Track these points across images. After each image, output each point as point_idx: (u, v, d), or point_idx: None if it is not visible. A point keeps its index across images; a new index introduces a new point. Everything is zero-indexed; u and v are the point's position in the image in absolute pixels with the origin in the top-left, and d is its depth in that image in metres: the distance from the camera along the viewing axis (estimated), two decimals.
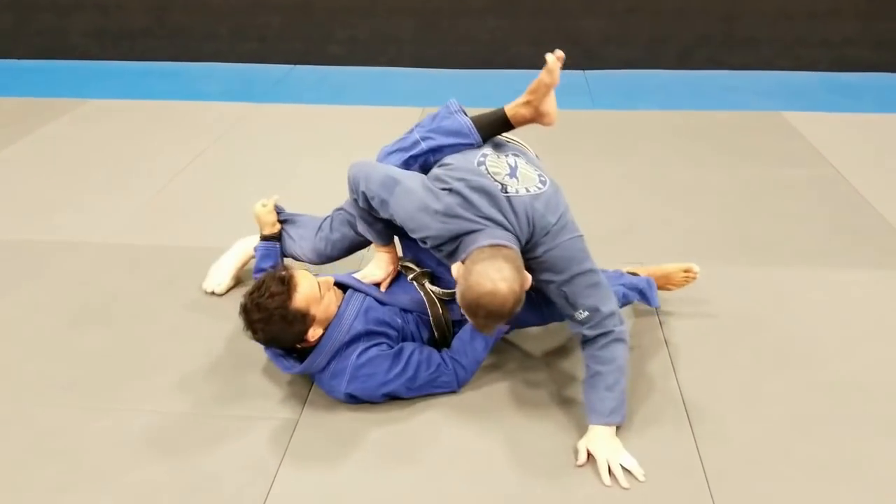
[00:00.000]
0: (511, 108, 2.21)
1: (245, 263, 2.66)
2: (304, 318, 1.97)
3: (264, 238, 2.56)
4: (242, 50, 5.62)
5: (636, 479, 1.84)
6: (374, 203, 2.06)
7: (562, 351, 2.34)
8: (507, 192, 1.96)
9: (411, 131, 2.20)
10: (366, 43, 5.51)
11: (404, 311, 2.16)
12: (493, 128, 2.21)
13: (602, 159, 3.84)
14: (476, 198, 1.93)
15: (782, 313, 2.52)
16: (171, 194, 3.45)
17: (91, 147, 4.02)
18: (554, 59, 2.14)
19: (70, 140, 4.12)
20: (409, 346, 2.08)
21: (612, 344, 1.97)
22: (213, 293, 2.59)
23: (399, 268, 2.25)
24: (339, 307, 2.07)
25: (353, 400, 2.05)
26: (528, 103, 2.20)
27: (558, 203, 2.01)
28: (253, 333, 1.98)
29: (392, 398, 2.07)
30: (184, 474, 1.88)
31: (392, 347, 2.07)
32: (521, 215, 1.94)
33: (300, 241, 2.52)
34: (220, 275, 2.62)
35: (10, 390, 2.18)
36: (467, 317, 1.86)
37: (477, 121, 2.18)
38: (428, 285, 2.19)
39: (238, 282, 2.65)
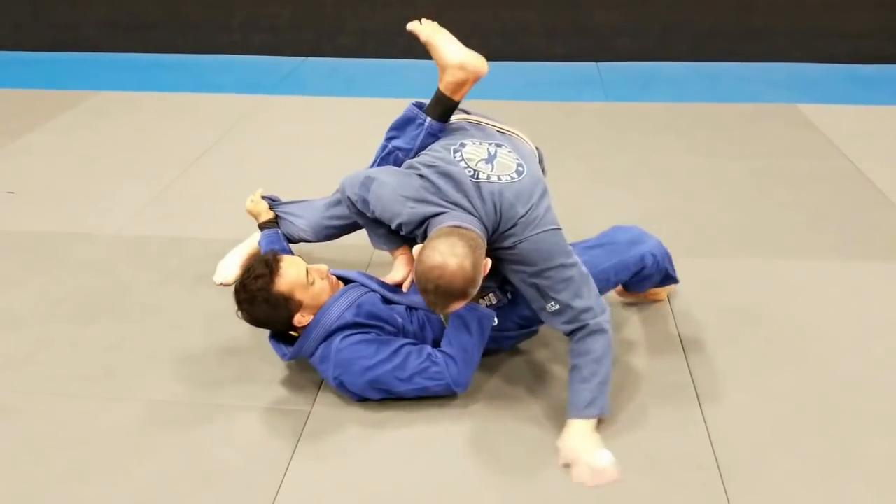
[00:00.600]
0: (440, 82, 2.20)
1: (253, 255, 2.66)
2: (288, 303, 1.98)
3: (262, 226, 2.59)
4: (254, 42, 5.62)
5: (611, 477, 1.81)
6: (360, 206, 2.11)
7: None
8: (477, 178, 1.96)
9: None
10: (377, 34, 5.50)
11: (412, 309, 2.13)
12: (438, 105, 2.18)
13: (615, 151, 3.82)
14: (442, 183, 1.96)
15: (796, 306, 2.50)
16: (183, 186, 3.46)
17: (103, 138, 4.04)
18: (410, 25, 2.28)
19: (82, 131, 4.13)
20: (402, 339, 2.05)
21: (588, 337, 1.95)
22: (223, 284, 2.58)
23: None
24: (333, 296, 2.07)
25: (344, 389, 2.02)
26: (440, 68, 2.19)
27: (532, 194, 1.97)
28: (240, 313, 2.02)
29: (385, 392, 2.02)
30: (196, 464, 1.88)
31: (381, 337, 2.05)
32: (488, 202, 1.93)
33: (300, 220, 2.55)
34: (228, 267, 2.62)
35: (23, 380, 2.19)
36: (420, 294, 1.85)
37: (429, 110, 2.20)
38: None
39: None
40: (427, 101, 2.20)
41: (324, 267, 2.09)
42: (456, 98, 2.16)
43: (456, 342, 2.03)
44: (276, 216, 2.62)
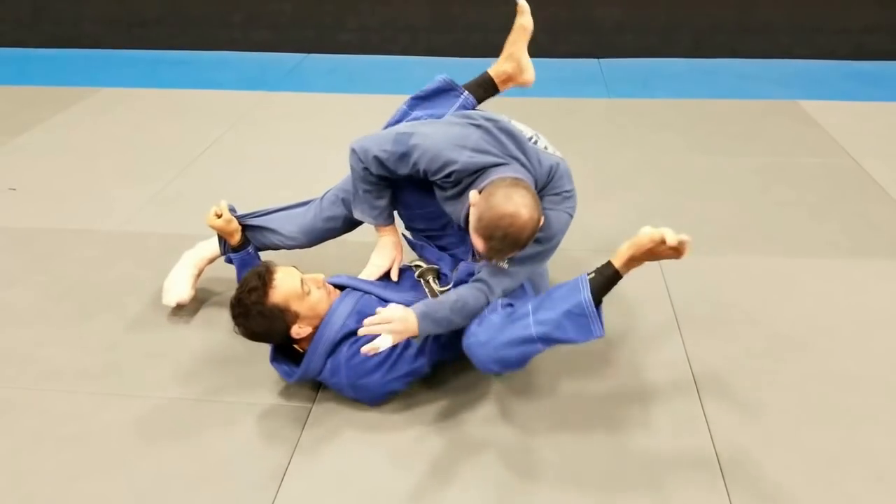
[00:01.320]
0: (494, 67, 2.34)
1: (202, 271, 2.53)
2: (283, 314, 1.93)
3: (235, 249, 2.42)
4: (255, 38, 5.61)
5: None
6: (390, 163, 2.06)
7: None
8: (535, 144, 2.04)
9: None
10: (378, 31, 5.50)
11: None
12: (479, 87, 2.33)
13: (616, 147, 3.81)
14: (503, 138, 2.00)
15: (797, 303, 2.50)
16: (184, 183, 3.46)
17: (104, 135, 4.04)
18: (520, 2, 2.31)
19: (84, 128, 4.13)
20: None
21: (477, 291, 1.96)
22: (178, 305, 2.44)
23: (410, 264, 2.24)
24: (332, 305, 2.02)
25: (363, 395, 2.00)
26: (509, 56, 2.33)
27: (571, 179, 2.11)
28: (237, 329, 1.97)
29: (409, 376, 2.00)
30: (197, 462, 1.88)
31: None
32: (545, 166, 2.01)
33: (281, 228, 2.42)
34: (177, 286, 2.44)
35: (23, 377, 2.19)
36: (479, 244, 1.85)
37: (469, 85, 2.33)
38: (432, 283, 2.16)
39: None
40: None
41: (320, 276, 2.05)
42: (499, 86, 2.32)
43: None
44: (245, 230, 2.44)
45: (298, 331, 1.98)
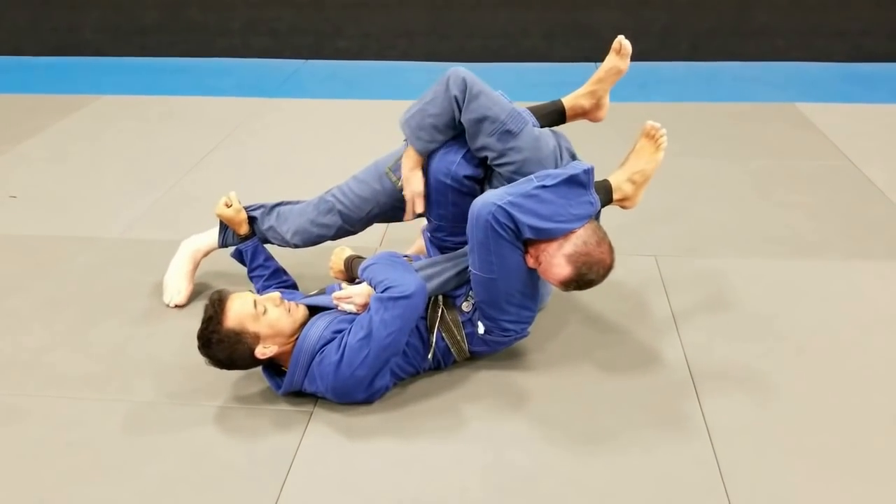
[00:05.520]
0: (570, 99, 2.28)
1: (198, 264, 2.58)
2: (241, 337, 1.95)
3: (242, 239, 2.48)
4: (254, 45, 5.63)
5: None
6: (487, 125, 2.02)
7: (595, 344, 2.34)
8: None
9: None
10: (377, 37, 5.51)
11: None
12: (546, 117, 2.27)
13: (614, 151, 3.80)
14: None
15: (796, 305, 2.51)
16: (184, 190, 3.47)
17: (105, 143, 4.05)
18: (625, 42, 2.23)
19: (84, 136, 4.15)
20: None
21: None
22: (176, 306, 2.51)
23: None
24: (305, 325, 2.04)
25: (344, 396, 2.01)
26: (591, 93, 2.30)
27: None
28: (206, 361, 2.00)
29: (373, 363, 1.97)
30: (200, 466, 1.89)
31: None
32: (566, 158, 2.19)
33: (279, 226, 2.44)
34: (175, 283, 2.53)
35: (27, 383, 2.20)
36: (564, 270, 1.98)
37: (534, 110, 2.25)
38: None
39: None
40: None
41: (275, 294, 2.08)
42: (567, 119, 2.37)
43: (379, 276, 2.03)
44: (251, 223, 2.48)
45: (263, 350, 1.98)
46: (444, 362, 2.17)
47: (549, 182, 1.99)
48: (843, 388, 2.13)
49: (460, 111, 2.06)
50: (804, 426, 1.99)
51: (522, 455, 1.91)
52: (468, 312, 2.13)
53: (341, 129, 4.19)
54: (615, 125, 4.19)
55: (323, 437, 1.98)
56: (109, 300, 2.60)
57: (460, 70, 2.10)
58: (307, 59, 5.61)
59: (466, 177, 2.13)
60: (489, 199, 1.96)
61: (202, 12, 5.60)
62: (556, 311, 2.48)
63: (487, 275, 2.02)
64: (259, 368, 2.09)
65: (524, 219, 1.94)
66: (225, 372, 2.16)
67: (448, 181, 2.13)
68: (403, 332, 1.99)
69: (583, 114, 2.35)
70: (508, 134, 2.03)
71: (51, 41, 5.75)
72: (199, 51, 5.65)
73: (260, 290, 2.41)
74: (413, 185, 2.16)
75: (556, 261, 1.98)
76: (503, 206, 1.93)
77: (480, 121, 2.04)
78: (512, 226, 1.95)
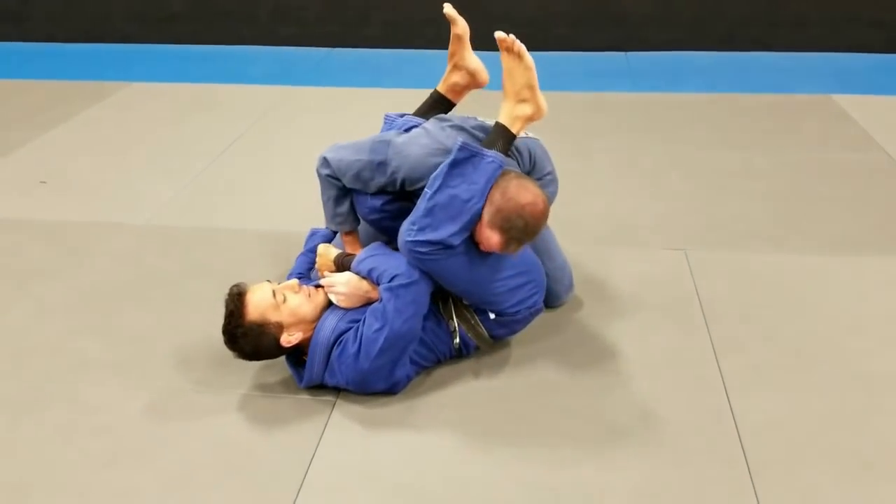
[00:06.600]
0: (443, 84, 2.38)
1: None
2: (265, 328, 1.96)
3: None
4: (281, 33, 5.63)
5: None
6: (366, 173, 2.13)
7: (594, 339, 2.31)
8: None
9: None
10: (404, 25, 5.49)
11: None
12: (432, 109, 2.35)
13: (643, 143, 3.77)
14: (482, 136, 2.07)
15: (830, 301, 2.45)
16: (211, 177, 3.48)
17: (133, 130, 4.08)
18: (447, 6, 2.30)
19: (113, 123, 4.18)
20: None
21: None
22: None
23: None
24: (323, 314, 2.05)
25: (364, 386, 2.01)
26: (455, 68, 2.35)
27: (550, 158, 2.18)
28: (235, 356, 2.02)
29: (389, 354, 1.97)
30: (223, 453, 1.89)
31: None
32: (524, 152, 2.09)
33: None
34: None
35: (53, 368, 2.22)
36: (494, 238, 1.93)
37: (418, 109, 2.37)
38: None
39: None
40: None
41: (293, 281, 2.08)
42: (454, 99, 2.41)
43: (377, 266, 2.03)
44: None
45: (289, 338, 1.99)
46: (465, 350, 2.16)
47: (437, 182, 1.98)
48: (876, 386, 2.07)
49: (340, 181, 2.20)
50: (836, 425, 1.94)
51: (545, 450, 1.89)
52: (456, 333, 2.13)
53: (368, 118, 4.16)
54: (642, 115, 4.14)
55: (345, 428, 1.97)
56: (136, 286, 2.61)
57: (320, 157, 2.24)
58: (334, 47, 5.60)
59: (385, 203, 2.19)
60: (401, 238, 2.00)
61: (230, 0, 5.61)
62: (583, 306, 2.45)
63: (458, 288, 2.06)
64: (282, 359, 2.09)
65: (439, 234, 1.94)
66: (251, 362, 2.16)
67: (377, 215, 2.21)
68: (418, 316, 2.01)
69: (466, 87, 2.38)
70: (382, 164, 2.11)
71: (81, 28, 5.81)
72: (226, 38, 5.67)
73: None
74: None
75: (485, 235, 1.96)
76: (412, 239, 1.96)
77: (357, 175, 2.16)
78: (436, 247, 1.95)
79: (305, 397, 2.07)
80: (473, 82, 2.36)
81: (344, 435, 1.95)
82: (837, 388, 2.07)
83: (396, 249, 2.09)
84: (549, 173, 2.22)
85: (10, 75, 5.10)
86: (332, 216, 2.26)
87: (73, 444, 1.93)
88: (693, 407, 2.01)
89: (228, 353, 2.04)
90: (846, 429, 1.94)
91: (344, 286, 2.04)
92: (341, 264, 2.19)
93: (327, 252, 2.26)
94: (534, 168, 2.18)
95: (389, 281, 1.99)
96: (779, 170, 3.42)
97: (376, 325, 1.96)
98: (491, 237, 1.94)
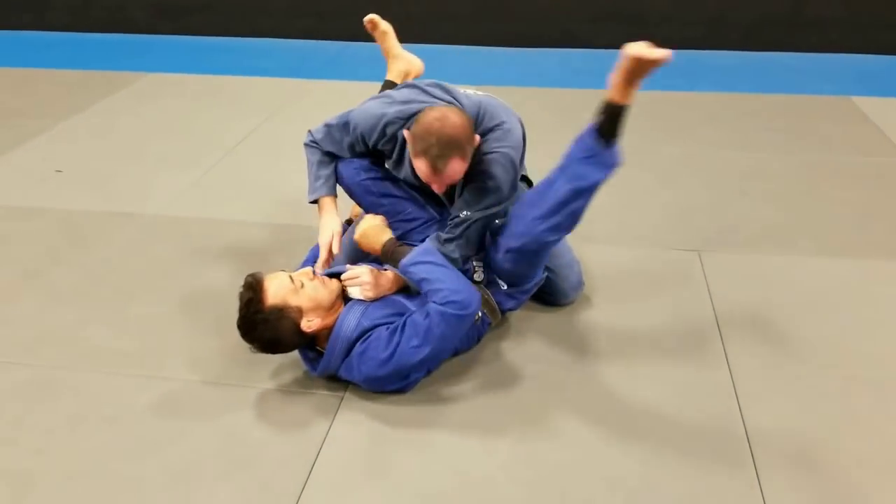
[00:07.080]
0: (391, 74, 2.82)
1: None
2: (285, 312, 1.94)
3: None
4: (298, 26, 5.64)
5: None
6: (336, 134, 2.25)
7: (592, 334, 2.30)
8: (463, 92, 2.18)
9: None
10: (420, 20, 5.47)
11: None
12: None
13: (658, 141, 3.74)
14: (431, 89, 2.14)
15: (843, 305, 2.42)
16: (225, 168, 3.49)
17: (148, 120, 4.10)
18: (369, 16, 2.77)
19: (128, 113, 4.20)
20: (406, 314, 2.03)
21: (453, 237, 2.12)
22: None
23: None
24: (345, 307, 2.05)
25: (378, 385, 2.01)
26: (395, 58, 2.86)
27: (507, 112, 2.15)
28: (251, 347, 2.00)
29: (416, 367, 1.98)
30: (230, 446, 1.90)
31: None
32: (473, 104, 2.11)
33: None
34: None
35: (63, 357, 2.23)
36: (421, 166, 1.95)
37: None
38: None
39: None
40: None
41: (307, 269, 2.08)
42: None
43: (432, 278, 1.99)
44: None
45: (308, 324, 1.98)
46: (482, 327, 2.20)
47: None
48: (888, 391, 2.05)
49: (321, 147, 2.31)
50: (846, 429, 1.92)
51: (552, 449, 1.88)
52: (481, 282, 2.21)
53: None
54: (658, 114, 4.11)
55: (353, 423, 1.97)
56: (147, 277, 2.62)
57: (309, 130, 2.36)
58: (350, 40, 5.60)
59: (371, 164, 2.29)
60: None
61: None
62: (593, 306, 2.44)
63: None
64: (289, 354, 2.09)
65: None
66: (258, 354, 2.17)
67: (363, 176, 2.28)
68: (457, 338, 2.06)
69: (408, 74, 2.73)
70: (346, 124, 2.23)
71: (99, 18, 5.84)
72: (242, 30, 5.68)
73: None
74: (324, 233, 2.25)
75: (416, 168, 1.99)
76: (442, 303, 1.96)
77: (330, 137, 2.27)
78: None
79: (313, 392, 2.07)
80: (414, 69, 2.71)
81: (351, 430, 1.94)
82: (851, 394, 2.05)
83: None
84: (499, 123, 2.09)
85: (29, 64, 5.14)
86: (313, 179, 2.30)
87: (82, 434, 1.94)
88: (702, 409, 2.00)
89: (238, 346, 2.05)
90: (857, 432, 1.91)
91: (369, 284, 2.06)
92: (390, 253, 2.09)
93: (376, 235, 2.13)
94: (482, 118, 2.09)
95: (443, 302, 1.94)
96: (794, 171, 3.39)
97: (415, 342, 1.94)
98: (419, 167, 1.97)
